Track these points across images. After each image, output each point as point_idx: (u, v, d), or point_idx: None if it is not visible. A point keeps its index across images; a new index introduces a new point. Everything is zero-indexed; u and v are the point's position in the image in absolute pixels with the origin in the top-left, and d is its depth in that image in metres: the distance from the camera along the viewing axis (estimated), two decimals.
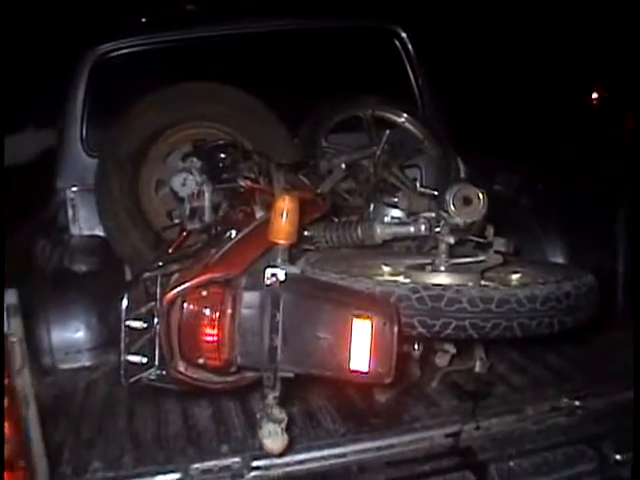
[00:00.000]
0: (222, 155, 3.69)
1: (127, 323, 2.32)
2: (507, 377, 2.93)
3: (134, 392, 2.74)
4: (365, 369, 2.06)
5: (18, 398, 2.18)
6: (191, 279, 2.18)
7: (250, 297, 2.14)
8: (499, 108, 11.67)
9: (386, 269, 2.78)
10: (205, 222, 3.64)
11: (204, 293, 2.16)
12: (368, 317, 2.06)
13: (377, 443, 2.50)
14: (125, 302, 2.32)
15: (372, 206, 3.09)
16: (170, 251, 3.17)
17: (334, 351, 2.07)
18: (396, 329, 2.05)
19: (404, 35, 4.64)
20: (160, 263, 2.46)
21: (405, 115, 4.40)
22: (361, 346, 2.05)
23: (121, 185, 3.92)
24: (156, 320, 2.29)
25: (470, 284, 2.46)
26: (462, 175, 4.48)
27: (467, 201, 2.55)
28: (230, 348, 2.15)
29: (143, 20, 5.01)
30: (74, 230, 4.29)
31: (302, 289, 2.15)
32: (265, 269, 2.13)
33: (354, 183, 3.98)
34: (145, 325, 2.31)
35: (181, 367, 2.22)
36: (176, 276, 2.37)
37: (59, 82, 4.55)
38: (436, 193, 2.98)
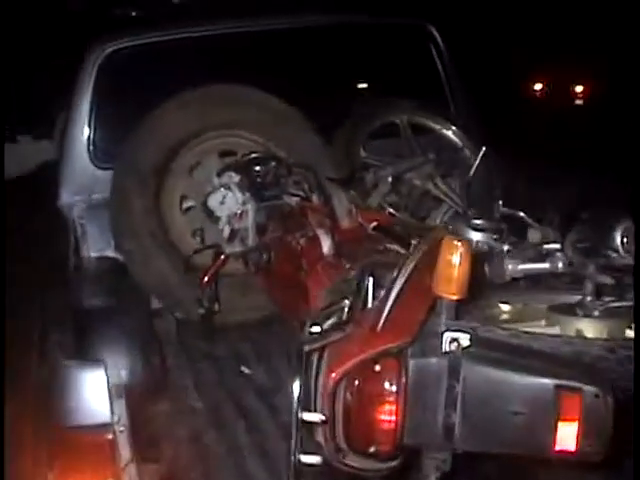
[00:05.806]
0: (263, 169, 3.29)
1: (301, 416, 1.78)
2: None
3: None
4: (572, 448, 1.71)
5: None
6: (360, 350, 1.73)
7: (421, 366, 1.75)
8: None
9: (505, 308, 2.41)
10: (247, 245, 3.25)
11: (377, 368, 1.73)
12: (575, 388, 1.70)
13: None
14: (297, 388, 1.77)
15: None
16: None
17: (532, 428, 1.72)
18: (611, 400, 1.70)
19: (436, 34, 4.29)
20: (316, 328, 1.90)
21: (444, 121, 4.05)
22: (567, 422, 1.70)
23: (144, 203, 3.45)
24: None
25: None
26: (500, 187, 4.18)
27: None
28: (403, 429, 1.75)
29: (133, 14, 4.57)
30: (83, 252, 3.78)
31: (484, 354, 1.77)
32: (444, 332, 1.74)
33: (397, 197, 3.63)
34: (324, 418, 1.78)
35: (349, 460, 1.77)
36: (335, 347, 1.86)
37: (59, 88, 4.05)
38: (522, 214, 2.70)
